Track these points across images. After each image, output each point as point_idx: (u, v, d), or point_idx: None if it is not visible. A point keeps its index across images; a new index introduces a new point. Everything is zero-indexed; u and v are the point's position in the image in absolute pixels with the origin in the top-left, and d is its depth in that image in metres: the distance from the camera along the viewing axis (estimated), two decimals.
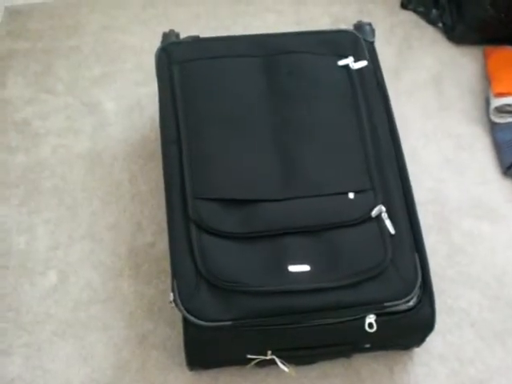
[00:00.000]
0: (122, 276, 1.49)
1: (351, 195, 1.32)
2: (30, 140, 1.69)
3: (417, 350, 1.42)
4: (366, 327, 1.22)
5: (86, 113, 1.73)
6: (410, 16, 1.93)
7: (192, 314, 1.20)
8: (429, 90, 1.79)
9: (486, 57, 1.82)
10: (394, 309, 1.23)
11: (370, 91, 1.45)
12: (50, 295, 1.47)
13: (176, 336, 1.41)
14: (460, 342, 1.44)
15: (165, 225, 1.33)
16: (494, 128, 1.70)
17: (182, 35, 1.56)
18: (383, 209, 1.30)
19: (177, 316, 1.32)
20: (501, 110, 1.69)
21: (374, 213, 1.30)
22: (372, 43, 1.55)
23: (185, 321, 1.24)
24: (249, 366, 1.32)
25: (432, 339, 1.39)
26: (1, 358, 1.40)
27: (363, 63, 1.47)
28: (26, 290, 1.48)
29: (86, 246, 1.53)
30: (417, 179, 1.43)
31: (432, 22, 1.91)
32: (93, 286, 1.48)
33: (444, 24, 1.88)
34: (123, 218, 1.57)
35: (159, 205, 1.55)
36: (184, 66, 1.46)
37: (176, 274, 1.25)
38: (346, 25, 1.61)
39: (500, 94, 1.69)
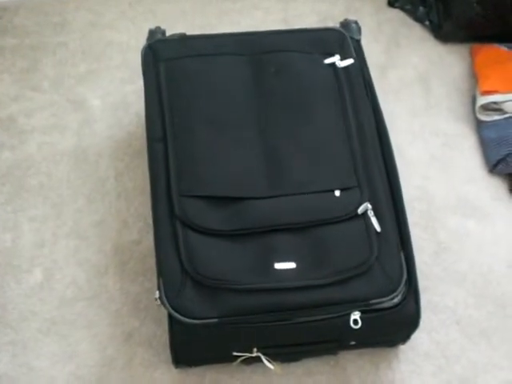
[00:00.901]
0: (107, 273, 1.49)
1: (337, 193, 1.32)
2: (15, 137, 1.68)
3: (402, 348, 1.42)
4: (351, 324, 1.22)
5: (71, 110, 1.72)
6: (397, 14, 1.93)
7: (178, 312, 1.20)
8: (416, 88, 1.79)
9: (472, 55, 1.82)
10: (379, 306, 1.24)
11: (357, 89, 1.45)
12: (35, 293, 1.47)
13: (162, 333, 1.41)
14: (446, 340, 1.45)
15: (151, 222, 1.33)
16: (480, 126, 1.71)
17: (169, 32, 1.56)
18: (369, 206, 1.31)
19: (162, 313, 1.32)
20: (487, 108, 1.69)
21: (360, 210, 1.30)
22: (358, 41, 1.55)
23: (170, 318, 1.24)
24: (235, 363, 1.32)
25: (417, 336, 1.40)
26: None
27: (349, 61, 1.47)
28: (12, 288, 1.47)
29: (72, 244, 1.52)
30: (403, 177, 1.43)
31: (419, 19, 1.91)
32: (78, 283, 1.48)
33: (431, 22, 1.89)
34: (109, 215, 1.57)
35: (145, 202, 1.54)
36: (170, 63, 1.46)
37: (162, 271, 1.25)
38: (334, 23, 1.62)
39: (486, 92, 1.69)
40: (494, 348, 1.44)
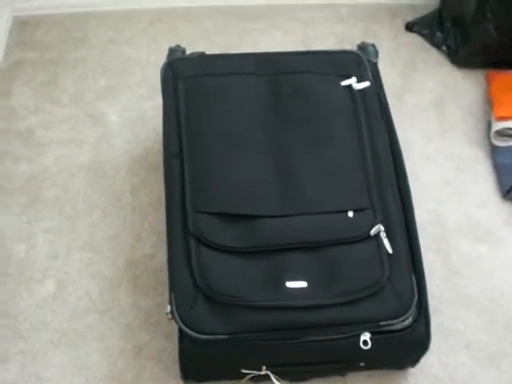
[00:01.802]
0: (119, 287, 1.50)
1: (350, 214, 1.33)
2: (33, 149, 1.70)
3: (411, 371, 1.42)
4: (361, 344, 1.22)
5: (89, 124, 1.75)
6: (414, 38, 1.95)
7: (188, 327, 1.21)
8: (431, 113, 1.80)
9: (488, 80, 1.83)
10: (389, 327, 1.24)
11: (372, 111, 1.46)
12: (47, 304, 1.48)
13: (172, 348, 1.41)
14: (455, 364, 1.44)
15: (164, 237, 1.34)
16: (494, 151, 1.71)
17: (189, 51, 1.58)
18: (382, 228, 1.31)
19: (173, 328, 1.33)
20: (502, 134, 1.70)
21: (372, 232, 1.30)
22: (375, 64, 1.56)
23: (181, 333, 1.24)
24: (243, 380, 1.32)
25: (427, 360, 1.39)
26: None
27: (366, 84, 1.49)
28: (24, 298, 1.49)
29: (85, 256, 1.54)
30: (417, 200, 1.43)
31: (436, 44, 1.93)
32: (90, 296, 1.49)
33: (448, 47, 1.90)
34: (123, 229, 1.58)
35: (159, 217, 1.56)
36: (189, 81, 1.47)
37: (174, 286, 1.26)
38: (351, 45, 1.63)
39: (502, 118, 1.70)
40: (502, 373, 1.43)
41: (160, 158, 1.45)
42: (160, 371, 1.40)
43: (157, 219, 1.58)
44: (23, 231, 1.57)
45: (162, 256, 1.51)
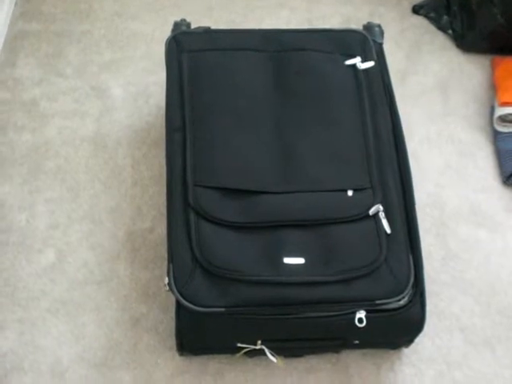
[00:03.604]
0: (118, 259, 1.51)
1: (350, 193, 1.33)
2: (36, 120, 1.71)
3: (405, 351, 1.43)
4: (356, 322, 1.23)
5: (93, 97, 1.75)
6: (420, 21, 1.95)
7: (185, 299, 1.22)
8: (435, 95, 1.80)
9: (493, 66, 1.82)
10: (384, 306, 1.25)
11: (376, 92, 1.46)
12: (46, 273, 1.49)
13: (168, 321, 1.42)
14: (449, 346, 1.45)
15: (164, 211, 1.35)
16: (496, 137, 1.71)
17: (194, 26, 1.58)
18: (381, 208, 1.32)
19: (170, 301, 1.34)
20: (505, 120, 1.70)
21: (371, 211, 1.31)
22: (380, 44, 1.56)
23: (178, 305, 1.25)
24: (238, 354, 1.33)
25: (421, 341, 1.41)
26: None
27: (370, 64, 1.49)
28: (24, 267, 1.50)
29: (85, 227, 1.55)
30: (417, 182, 1.44)
31: (442, 28, 1.92)
32: (89, 266, 1.50)
33: (454, 31, 1.89)
34: (124, 202, 1.59)
35: (160, 191, 1.57)
36: (193, 55, 1.48)
37: (172, 258, 1.26)
38: (357, 25, 1.62)
39: (505, 104, 1.69)
40: (496, 358, 1.44)
41: (162, 132, 1.45)
42: (156, 343, 1.42)
43: (157, 193, 1.58)
44: (24, 201, 1.58)
45: (161, 229, 1.52)
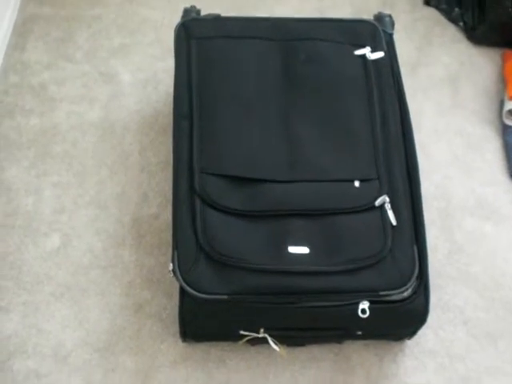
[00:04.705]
0: (123, 244, 1.51)
1: (357, 183, 1.33)
2: (44, 104, 1.71)
3: (408, 343, 1.43)
4: (359, 313, 1.23)
5: (101, 82, 1.75)
6: (432, 13, 1.94)
7: (189, 285, 1.22)
8: (444, 88, 1.79)
9: (504, 59, 1.82)
10: (388, 298, 1.25)
11: (385, 82, 1.46)
12: (51, 257, 1.49)
13: (172, 307, 1.43)
14: (452, 339, 1.45)
15: (170, 198, 1.35)
16: (505, 131, 1.71)
17: (204, 13, 1.57)
18: (387, 199, 1.32)
19: (174, 288, 1.35)
20: None
21: (377, 202, 1.31)
22: (391, 35, 1.55)
23: (182, 291, 1.26)
24: (241, 342, 1.34)
25: (424, 333, 1.41)
26: (0, 314, 1.43)
27: (380, 54, 1.48)
28: (29, 250, 1.50)
29: (91, 212, 1.55)
30: (424, 174, 1.44)
31: (454, 20, 1.91)
32: (94, 251, 1.50)
33: (465, 23, 1.88)
34: (130, 188, 1.59)
35: (167, 178, 1.57)
36: (202, 42, 1.47)
37: (177, 244, 1.27)
38: (368, 16, 1.61)
39: None
40: (499, 352, 1.44)
41: (170, 119, 1.45)
42: (159, 329, 1.42)
43: (164, 180, 1.58)
44: (31, 184, 1.58)
45: (167, 216, 1.52)
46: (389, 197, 1.32)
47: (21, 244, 1.51)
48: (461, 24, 1.89)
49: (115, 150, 1.64)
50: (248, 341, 1.32)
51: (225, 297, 1.22)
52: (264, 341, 1.31)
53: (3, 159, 1.61)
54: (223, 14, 1.57)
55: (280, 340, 1.33)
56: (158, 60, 1.79)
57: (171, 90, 1.47)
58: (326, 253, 1.26)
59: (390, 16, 1.58)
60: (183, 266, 1.24)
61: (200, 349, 1.40)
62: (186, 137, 1.37)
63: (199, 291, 1.22)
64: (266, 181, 1.31)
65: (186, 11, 1.56)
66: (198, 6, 1.59)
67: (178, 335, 1.37)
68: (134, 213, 1.55)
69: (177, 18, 1.56)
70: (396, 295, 1.25)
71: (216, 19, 1.53)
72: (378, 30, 1.51)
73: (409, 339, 1.41)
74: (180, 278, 1.23)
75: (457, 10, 1.91)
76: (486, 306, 1.49)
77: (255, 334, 1.30)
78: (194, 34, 1.48)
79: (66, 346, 1.40)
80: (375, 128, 1.39)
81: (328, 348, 1.42)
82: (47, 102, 1.71)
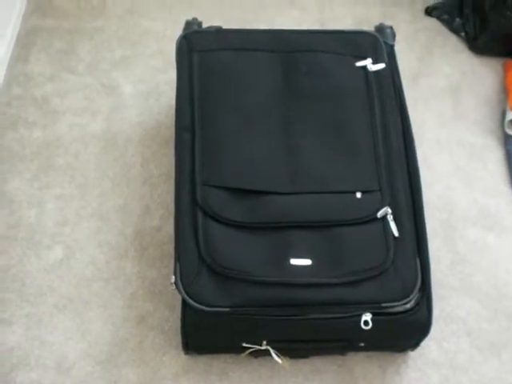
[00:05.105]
0: (126, 257, 1.51)
1: (358, 195, 1.33)
2: (47, 116, 1.71)
3: (411, 354, 1.43)
4: (362, 325, 1.23)
5: (104, 94, 1.75)
6: (433, 23, 1.94)
7: (192, 298, 1.22)
8: (446, 98, 1.80)
9: (505, 69, 1.82)
10: (391, 310, 1.25)
11: (386, 94, 1.46)
12: (54, 269, 1.50)
13: (174, 319, 1.43)
14: (455, 350, 1.45)
15: (173, 210, 1.35)
16: (507, 141, 1.71)
17: (205, 25, 1.58)
18: (389, 211, 1.32)
19: (176, 300, 1.35)
20: None
21: (379, 214, 1.31)
22: (392, 46, 1.56)
23: (184, 304, 1.26)
24: (243, 354, 1.33)
25: (427, 344, 1.41)
26: (3, 326, 1.43)
27: (381, 66, 1.48)
28: (32, 263, 1.50)
29: (94, 225, 1.55)
30: (426, 185, 1.44)
31: (455, 30, 1.91)
32: (97, 264, 1.50)
33: (467, 33, 1.89)
34: (132, 200, 1.59)
35: (168, 190, 1.57)
36: (204, 55, 1.48)
37: (179, 257, 1.27)
38: (369, 27, 1.62)
39: None
40: (502, 363, 1.44)
41: (172, 131, 1.45)
42: (161, 341, 1.42)
43: (166, 192, 1.59)
44: (34, 197, 1.59)
45: (169, 228, 1.52)
46: (391, 208, 1.32)
47: (23, 256, 1.51)
48: (462, 34, 1.90)
49: (117, 162, 1.64)
50: (251, 353, 1.32)
51: (227, 309, 1.22)
52: (267, 353, 1.31)
53: (6, 171, 1.62)
54: (224, 26, 1.57)
55: (283, 352, 1.33)
56: (160, 72, 1.80)
57: (173, 101, 1.48)
58: (329, 265, 1.26)
59: (391, 27, 1.58)
60: (185, 278, 1.24)
61: (202, 361, 1.40)
62: (187, 149, 1.37)
63: (201, 304, 1.22)
64: (267, 193, 1.31)
65: (188, 23, 1.57)
66: (200, 18, 1.59)
67: (180, 347, 1.37)
68: (137, 225, 1.55)
69: (178, 29, 1.56)
70: (399, 307, 1.25)
71: (217, 32, 1.54)
72: (379, 42, 1.52)
73: (412, 351, 1.41)
74: (182, 290, 1.23)
75: (458, 20, 1.92)
76: (489, 317, 1.49)
77: (258, 347, 1.30)
78: (195, 47, 1.48)
79: (68, 358, 1.40)
80: (377, 139, 1.39)
81: (331, 360, 1.41)
82: (50, 114, 1.72)
